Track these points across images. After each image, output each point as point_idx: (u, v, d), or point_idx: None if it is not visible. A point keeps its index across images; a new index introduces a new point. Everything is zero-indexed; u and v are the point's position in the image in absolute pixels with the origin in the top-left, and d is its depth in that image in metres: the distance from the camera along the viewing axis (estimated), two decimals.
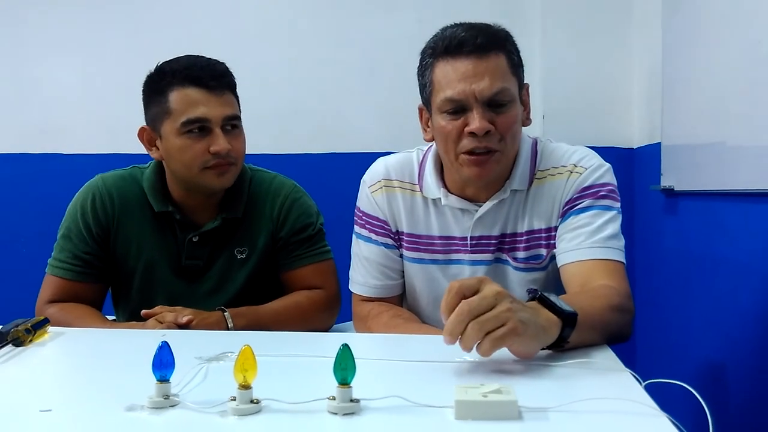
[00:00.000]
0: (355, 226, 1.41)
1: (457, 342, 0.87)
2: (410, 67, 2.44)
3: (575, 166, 1.27)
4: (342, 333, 1.45)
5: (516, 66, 1.23)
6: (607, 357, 0.98)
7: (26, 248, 2.58)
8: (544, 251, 1.29)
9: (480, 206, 1.29)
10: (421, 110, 1.31)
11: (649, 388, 0.82)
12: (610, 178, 1.28)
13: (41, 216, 2.48)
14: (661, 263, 2.19)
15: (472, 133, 1.18)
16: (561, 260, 1.23)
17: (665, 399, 0.82)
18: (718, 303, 1.75)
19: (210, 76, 1.37)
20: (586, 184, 1.25)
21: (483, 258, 1.31)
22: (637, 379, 0.85)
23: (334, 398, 0.75)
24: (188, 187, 1.42)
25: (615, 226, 1.23)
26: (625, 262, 1.23)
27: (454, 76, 1.18)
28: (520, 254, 1.30)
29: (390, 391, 0.77)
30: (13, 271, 2.56)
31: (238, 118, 1.41)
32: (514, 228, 1.30)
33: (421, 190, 1.33)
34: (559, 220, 1.26)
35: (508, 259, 1.30)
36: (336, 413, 0.74)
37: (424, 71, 1.25)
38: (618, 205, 1.26)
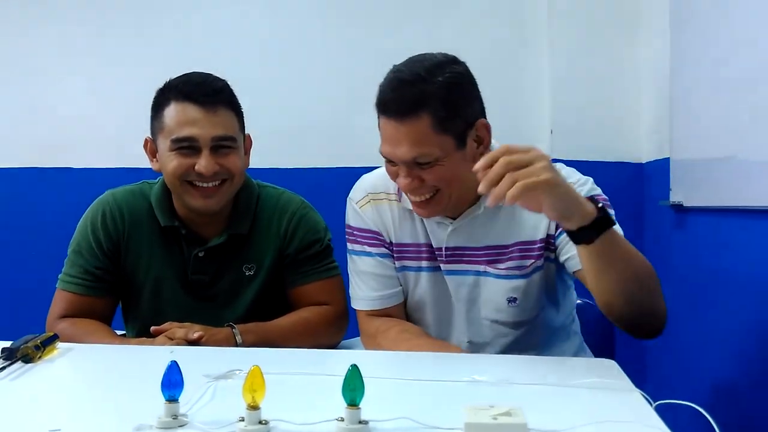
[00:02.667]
0: (347, 244, 1.42)
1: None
2: None
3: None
4: (350, 350, 1.45)
5: (444, 122, 1.17)
6: (617, 377, 0.97)
7: (37, 262, 2.58)
8: (529, 261, 1.29)
9: (453, 219, 1.30)
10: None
11: (659, 409, 0.82)
12: (599, 190, 1.28)
13: (52, 230, 2.50)
14: (670, 280, 2.17)
15: None
16: (578, 264, 1.19)
17: (676, 420, 0.81)
18: (729, 321, 1.74)
19: (203, 92, 1.37)
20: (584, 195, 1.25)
21: (459, 269, 1.32)
22: (648, 400, 0.85)
23: (342, 419, 0.75)
24: (189, 207, 1.43)
25: (621, 232, 1.21)
26: None
27: (385, 135, 1.21)
28: (505, 264, 1.30)
29: (399, 412, 0.76)
30: (24, 285, 2.57)
31: (230, 138, 1.39)
32: (496, 240, 1.30)
33: (399, 200, 1.36)
34: (560, 230, 1.24)
35: (489, 269, 1.31)
36: None
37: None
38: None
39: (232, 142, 1.40)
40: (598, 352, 1.47)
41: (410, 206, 1.31)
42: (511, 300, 1.30)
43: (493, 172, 0.94)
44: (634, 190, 2.40)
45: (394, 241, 1.37)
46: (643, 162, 2.44)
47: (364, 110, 2.53)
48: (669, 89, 2.07)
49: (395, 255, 1.37)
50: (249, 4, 2.63)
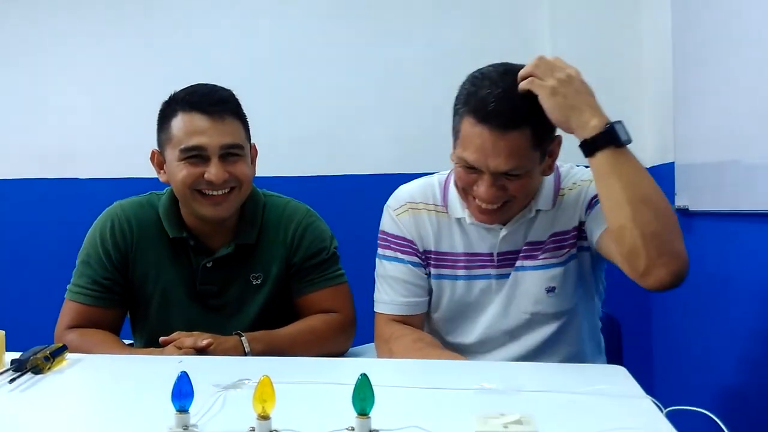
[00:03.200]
0: (379, 249, 1.44)
1: None
2: (422, 91, 2.51)
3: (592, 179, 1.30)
4: (360, 359, 1.45)
5: (540, 137, 1.21)
6: (627, 383, 0.97)
7: (44, 273, 2.59)
8: (565, 249, 1.33)
9: (505, 224, 1.33)
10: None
11: (670, 415, 0.81)
12: None
13: (59, 240, 2.52)
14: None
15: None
16: (598, 231, 1.25)
17: (687, 427, 0.81)
18: (737, 326, 1.73)
19: (209, 101, 1.38)
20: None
21: (506, 272, 1.36)
22: (659, 406, 0.84)
23: (352, 429, 0.75)
24: (198, 216, 1.44)
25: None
26: None
27: (476, 143, 1.19)
28: (541, 255, 1.34)
29: (409, 421, 0.76)
30: (32, 295, 2.58)
31: (238, 146, 1.40)
32: (535, 237, 1.34)
33: (446, 210, 1.38)
34: (587, 212, 1.31)
35: (527, 264, 1.34)
36: None
37: (455, 114, 1.26)
38: None
39: (240, 149, 1.41)
40: (607, 358, 1.47)
41: (460, 215, 1.35)
42: (550, 290, 1.33)
43: (524, 71, 1.17)
44: None
45: (433, 250, 1.39)
46: (648, 166, 2.41)
47: (369, 119, 2.58)
48: (672, 93, 2.07)
49: (432, 263, 1.39)
50: (254, 13, 2.64)
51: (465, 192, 1.29)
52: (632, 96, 2.45)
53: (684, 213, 2.04)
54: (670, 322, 2.21)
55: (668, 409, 0.83)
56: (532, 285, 1.34)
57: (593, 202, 1.29)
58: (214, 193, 1.39)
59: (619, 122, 1.14)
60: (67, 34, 2.69)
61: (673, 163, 2.08)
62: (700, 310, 1.97)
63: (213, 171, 1.36)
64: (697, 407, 0.84)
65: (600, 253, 1.28)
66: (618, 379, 0.98)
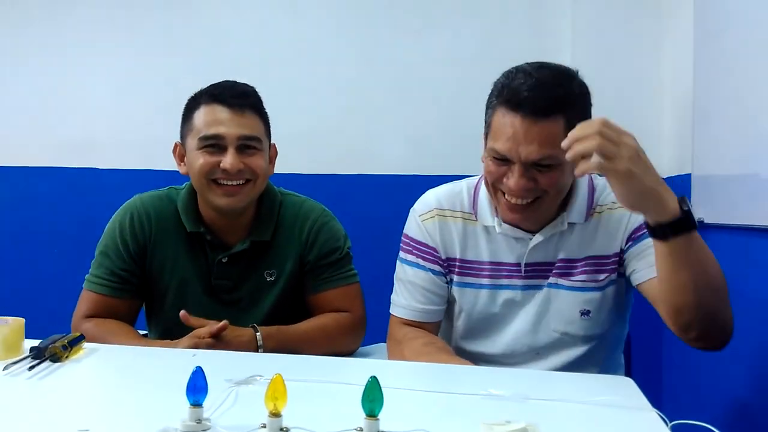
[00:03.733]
0: (401, 252, 1.44)
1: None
2: (441, 90, 2.51)
3: None
4: (370, 359, 1.46)
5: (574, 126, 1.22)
6: (633, 395, 0.98)
7: (61, 262, 2.63)
8: (603, 275, 1.32)
9: (533, 235, 1.32)
10: (485, 135, 1.32)
11: (675, 429, 0.82)
12: None
13: (77, 230, 2.56)
14: None
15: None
16: (644, 276, 1.24)
17: None
18: (749, 341, 1.72)
19: (231, 94, 1.42)
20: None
21: (537, 283, 1.34)
22: (664, 420, 0.85)
23: (361, 429, 0.76)
24: (210, 206, 1.46)
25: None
26: None
27: (506, 132, 1.19)
28: (579, 277, 1.32)
29: (417, 424, 0.78)
30: (49, 284, 2.62)
31: (256, 139, 1.43)
32: (569, 254, 1.32)
33: (475, 218, 1.37)
34: (629, 244, 1.29)
35: (562, 282, 1.33)
36: None
37: (489, 106, 1.27)
38: None
39: (258, 143, 1.44)
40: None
41: (489, 222, 1.34)
42: (585, 313, 1.32)
43: (583, 129, 1.00)
44: None
45: (458, 257, 1.38)
46: (664, 176, 2.41)
47: (385, 118, 2.58)
48: (691, 104, 2.06)
49: (457, 270, 1.38)
50: (274, 10, 2.66)
51: (494, 188, 1.26)
52: (652, 105, 2.43)
53: (699, 226, 2.02)
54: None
55: (673, 423, 0.83)
56: (565, 304, 1.32)
57: (638, 236, 1.28)
58: (229, 183, 1.41)
59: (683, 197, 1.07)
60: (88, 25, 2.71)
61: (690, 174, 2.07)
62: None
63: (228, 160, 1.39)
64: (704, 422, 0.84)
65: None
66: (625, 390, 0.99)
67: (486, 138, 1.28)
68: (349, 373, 1.12)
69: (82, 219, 2.56)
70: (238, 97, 1.42)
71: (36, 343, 1.12)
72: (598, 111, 2.39)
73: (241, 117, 1.41)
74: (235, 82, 1.47)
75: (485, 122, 1.29)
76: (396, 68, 2.58)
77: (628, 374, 1.40)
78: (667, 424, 0.84)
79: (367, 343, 1.56)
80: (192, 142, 1.43)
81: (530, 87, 1.18)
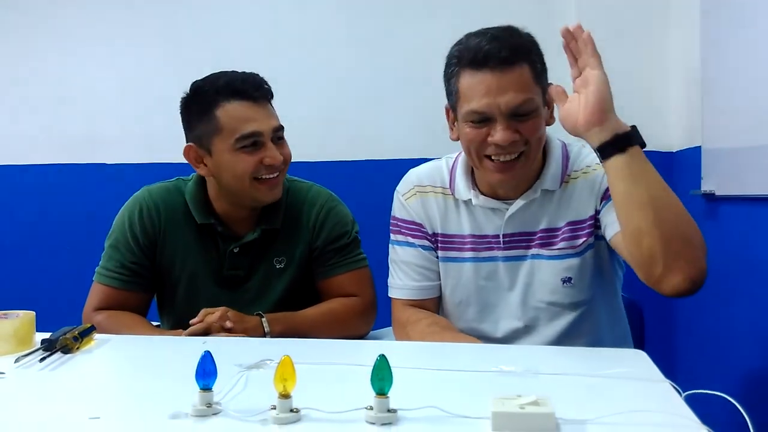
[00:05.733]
0: (391, 235, 1.45)
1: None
2: None
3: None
4: (379, 341, 1.47)
5: (540, 74, 1.25)
6: (645, 367, 0.97)
7: (71, 256, 2.65)
8: (581, 240, 1.31)
9: (510, 204, 1.32)
10: (447, 110, 1.35)
11: (689, 399, 0.81)
12: None
13: (86, 224, 2.57)
14: None
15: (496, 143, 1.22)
16: (614, 228, 1.22)
17: (706, 411, 0.81)
18: (760, 311, 1.71)
19: (252, 87, 1.40)
20: None
21: (517, 254, 1.34)
22: (677, 390, 0.84)
23: (371, 408, 0.76)
24: (234, 200, 1.46)
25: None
26: None
27: (479, 89, 1.21)
28: (558, 245, 1.32)
29: (427, 401, 0.77)
30: (59, 278, 2.64)
31: (282, 128, 1.45)
32: (550, 223, 1.32)
33: (452, 193, 1.38)
34: (603, 203, 1.29)
35: (543, 252, 1.33)
36: (374, 423, 0.75)
37: (450, 78, 1.29)
38: None
39: (283, 131, 1.45)
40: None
41: (465, 197, 1.34)
42: (566, 280, 1.32)
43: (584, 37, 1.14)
44: (664, 179, 2.37)
45: (439, 232, 1.39)
46: (674, 151, 2.40)
47: (391, 104, 2.57)
48: (700, 77, 2.04)
49: (440, 246, 1.39)
50: (275, 0, 2.65)
51: (478, 155, 1.26)
52: (660, 79, 2.41)
53: (710, 198, 2.01)
54: (693, 307, 2.19)
55: (686, 393, 0.83)
56: (547, 275, 1.32)
57: (609, 194, 1.26)
58: (271, 176, 1.41)
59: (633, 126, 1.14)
60: (91, 21, 2.72)
61: (699, 147, 2.05)
62: (724, 296, 1.95)
63: (273, 155, 1.39)
64: (717, 392, 0.83)
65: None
66: (637, 363, 0.98)
67: (453, 110, 1.30)
68: (358, 355, 1.12)
69: (90, 213, 2.57)
70: (258, 89, 1.41)
71: (47, 336, 1.12)
72: None
73: (267, 109, 1.42)
74: (244, 72, 1.43)
75: (448, 94, 1.30)
76: (400, 53, 2.57)
77: (640, 346, 1.39)
78: (680, 395, 0.83)
79: (378, 327, 1.56)
80: (223, 144, 1.38)
81: (489, 42, 1.21)
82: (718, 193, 1.94)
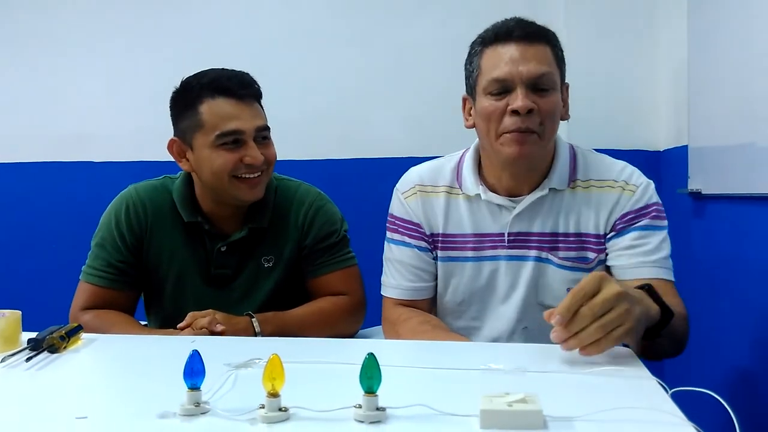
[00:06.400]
0: (387, 232, 1.44)
1: (564, 343, 0.95)
2: (435, 73, 2.50)
3: (626, 183, 1.32)
4: (367, 339, 1.47)
5: (560, 60, 1.29)
6: (633, 365, 0.97)
7: (58, 255, 2.63)
8: (592, 254, 1.32)
9: (518, 203, 1.32)
10: (464, 100, 1.37)
11: (675, 397, 0.82)
12: (657, 196, 1.34)
13: (73, 223, 2.55)
14: (688, 268, 2.16)
15: (514, 112, 1.24)
16: (624, 275, 1.27)
17: (692, 408, 0.82)
18: (747, 309, 1.73)
19: (238, 85, 1.39)
20: (642, 204, 1.31)
21: (522, 254, 1.34)
22: (664, 388, 0.85)
23: (360, 406, 0.76)
24: (217, 198, 1.45)
25: (668, 246, 1.30)
26: None
27: (502, 59, 1.25)
28: (566, 254, 1.32)
29: (415, 400, 0.78)
30: (45, 277, 2.62)
31: (268, 128, 1.44)
32: (557, 227, 1.33)
33: (460, 188, 1.38)
34: (613, 233, 1.30)
35: (551, 257, 1.33)
36: (362, 421, 0.75)
37: (471, 59, 1.32)
38: (666, 222, 1.32)
39: (269, 131, 1.44)
40: None
41: (473, 192, 1.34)
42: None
43: (579, 324, 0.93)
44: (651, 178, 2.34)
45: (440, 232, 1.38)
46: (661, 150, 2.42)
47: (380, 102, 2.57)
48: (687, 76, 2.05)
49: (440, 246, 1.38)
50: None
51: (497, 127, 1.26)
52: (647, 79, 2.43)
53: (697, 197, 2.03)
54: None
55: (673, 390, 0.83)
56: (554, 281, 1.33)
57: (619, 228, 1.30)
58: (252, 175, 1.40)
59: (653, 290, 1.07)
60: (78, 18, 2.70)
61: (686, 146, 2.07)
62: (712, 294, 1.96)
63: (253, 154, 1.38)
64: (703, 389, 0.84)
65: None
66: (624, 360, 0.98)
67: (472, 92, 1.32)
68: (347, 354, 1.11)
69: (78, 212, 2.54)
70: (244, 88, 1.40)
71: (33, 335, 1.11)
72: (594, 85, 2.42)
73: (251, 108, 1.40)
74: (233, 71, 1.43)
75: (470, 74, 1.32)
76: (390, 51, 2.57)
77: (627, 344, 1.40)
78: (667, 392, 0.83)
79: (367, 325, 1.56)
80: (204, 139, 1.38)
81: (515, 21, 1.27)
82: (704, 191, 1.96)
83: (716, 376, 1.88)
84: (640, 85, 2.43)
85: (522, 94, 1.23)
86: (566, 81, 1.32)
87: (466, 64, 1.34)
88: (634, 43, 2.43)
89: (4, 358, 1.05)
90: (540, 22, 1.31)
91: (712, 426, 0.74)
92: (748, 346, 1.73)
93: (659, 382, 0.87)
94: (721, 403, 0.79)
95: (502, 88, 1.24)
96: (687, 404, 0.80)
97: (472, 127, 1.34)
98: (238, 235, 1.46)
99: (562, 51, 1.31)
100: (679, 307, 1.19)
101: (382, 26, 2.58)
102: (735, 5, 1.74)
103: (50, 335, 1.10)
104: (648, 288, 1.06)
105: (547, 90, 1.24)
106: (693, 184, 2.02)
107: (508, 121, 1.24)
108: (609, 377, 0.91)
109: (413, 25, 2.53)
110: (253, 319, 1.36)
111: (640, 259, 1.27)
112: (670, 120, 2.35)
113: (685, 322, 1.20)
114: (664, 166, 2.39)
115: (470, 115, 1.34)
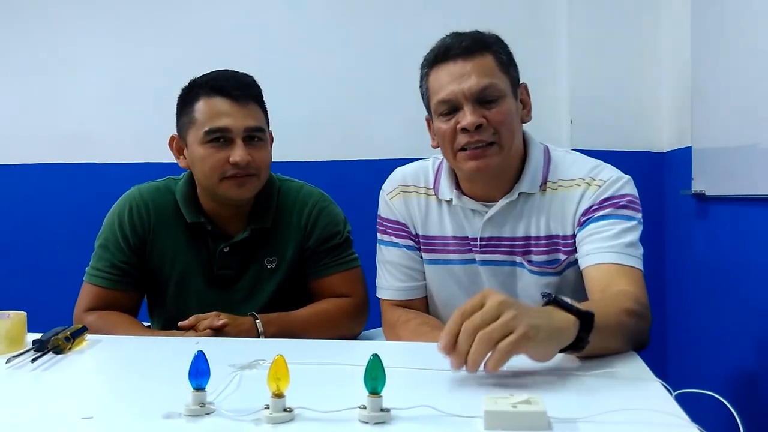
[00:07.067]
0: (377, 234, 1.46)
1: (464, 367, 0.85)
2: None
3: (593, 179, 1.29)
4: (371, 341, 1.47)
5: (505, 65, 1.28)
6: (637, 366, 0.97)
7: (61, 257, 2.64)
8: (562, 257, 1.31)
9: (490, 207, 1.32)
10: (428, 121, 1.37)
11: (679, 399, 0.82)
12: (630, 189, 1.29)
13: (76, 224, 2.56)
14: (692, 269, 2.16)
15: (464, 129, 1.24)
16: (582, 263, 1.25)
17: (696, 410, 0.82)
18: (750, 310, 1.72)
19: (234, 85, 1.40)
20: (605, 195, 1.27)
21: (494, 259, 1.34)
22: (668, 389, 0.85)
23: (364, 407, 0.76)
24: (214, 197, 1.45)
25: (635, 235, 1.24)
26: (643, 270, 1.23)
27: (445, 80, 1.25)
28: (537, 258, 1.32)
29: (420, 401, 0.78)
30: (50, 278, 2.63)
31: (261, 130, 1.43)
32: (529, 231, 1.32)
33: (436, 193, 1.38)
34: (578, 228, 1.28)
35: (523, 262, 1.33)
36: (367, 422, 0.75)
37: (422, 82, 1.33)
38: (639, 215, 1.27)
39: (262, 134, 1.43)
40: None
41: (447, 196, 1.34)
42: (546, 295, 1.32)
43: (464, 341, 0.84)
44: (655, 180, 2.39)
45: (420, 234, 1.39)
46: (665, 151, 2.42)
47: (382, 103, 2.57)
48: (690, 77, 2.05)
49: (422, 247, 1.39)
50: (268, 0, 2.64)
51: (452, 149, 1.27)
52: (650, 80, 2.42)
53: (700, 198, 2.03)
54: (683, 307, 2.20)
55: (677, 392, 0.83)
56: (529, 286, 1.33)
57: (583, 221, 1.27)
58: (238, 174, 1.40)
59: (558, 299, 0.94)
60: (82, 19, 2.71)
61: (690, 147, 2.07)
62: (715, 295, 1.96)
63: (238, 153, 1.38)
64: (707, 391, 0.84)
65: None
66: (628, 362, 0.99)
67: (429, 111, 1.32)
68: (352, 355, 1.12)
69: (81, 213, 2.56)
70: (240, 89, 1.41)
71: (38, 336, 1.12)
72: (597, 86, 2.41)
73: (244, 108, 1.40)
74: (235, 72, 1.44)
75: (423, 97, 1.34)
76: (391, 52, 2.57)
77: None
78: (671, 394, 0.83)
79: (370, 327, 1.56)
80: (195, 135, 1.40)
81: (451, 38, 1.27)
82: (708, 193, 1.95)
83: (720, 378, 1.88)
84: (643, 87, 2.43)
85: (469, 110, 1.23)
86: (522, 82, 1.31)
87: (419, 88, 1.35)
88: (637, 44, 2.43)
89: (10, 358, 1.05)
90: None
91: (717, 428, 0.74)
92: (752, 348, 1.72)
93: (663, 384, 0.87)
94: (725, 405, 0.79)
95: (451, 108, 1.25)
96: (691, 406, 0.80)
97: (437, 147, 1.34)
98: (241, 236, 1.46)
99: (508, 54, 1.29)
100: (630, 298, 1.08)
101: (383, 27, 2.58)
102: (738, 7, 1.74)
103: (55, 336, 1.11)
104: (553, 299, 0.94)
105: (494, 100, 1.24)
106: (696, 186, 2.02)
107: (461, 139, 1.25)
108: (613, 379, 0.91)
109: (415, 26, 2.53)
110: (257, 320, 1.36)
111: (598, 244, 1.22)
112: (673, 121, 2.35)
113: (636, 317, 1.06)
114: (668, 167, 2.39)
115: (434, 134, 1.34)
